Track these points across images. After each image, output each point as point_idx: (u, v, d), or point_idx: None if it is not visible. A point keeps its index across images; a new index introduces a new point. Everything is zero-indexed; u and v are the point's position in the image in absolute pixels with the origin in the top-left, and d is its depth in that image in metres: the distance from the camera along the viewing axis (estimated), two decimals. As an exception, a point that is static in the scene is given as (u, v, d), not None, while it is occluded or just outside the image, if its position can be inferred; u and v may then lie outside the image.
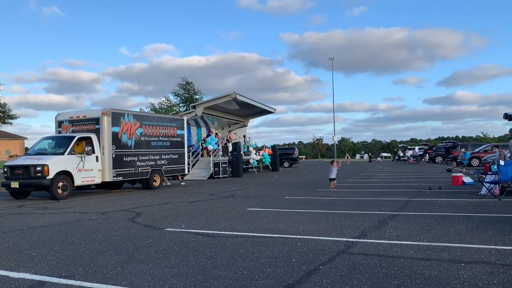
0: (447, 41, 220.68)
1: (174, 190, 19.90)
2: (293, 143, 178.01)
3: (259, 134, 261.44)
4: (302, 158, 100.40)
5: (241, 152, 31.40)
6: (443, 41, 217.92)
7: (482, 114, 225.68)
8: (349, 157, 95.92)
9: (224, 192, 17.86)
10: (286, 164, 47.04)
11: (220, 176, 28.70)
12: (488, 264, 5.67)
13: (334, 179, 17.98)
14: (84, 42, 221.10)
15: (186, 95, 65.07)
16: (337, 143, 77.27)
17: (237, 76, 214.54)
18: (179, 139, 22.76)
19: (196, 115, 30.53)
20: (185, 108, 61.47)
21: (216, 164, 28.92)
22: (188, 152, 27.31)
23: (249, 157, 35.12)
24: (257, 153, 37.16)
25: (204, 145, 31.68)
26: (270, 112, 40.63)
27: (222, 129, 38.26)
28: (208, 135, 33.70)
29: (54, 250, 7.11)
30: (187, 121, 26.59)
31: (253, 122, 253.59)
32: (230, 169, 30.57)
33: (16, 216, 11.83)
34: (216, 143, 30.88)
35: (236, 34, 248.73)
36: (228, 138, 34.11)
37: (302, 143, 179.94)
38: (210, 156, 30.00)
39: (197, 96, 64.70)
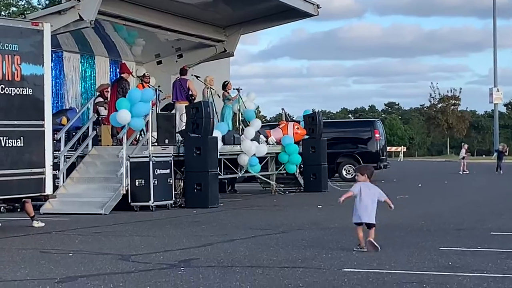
0: None
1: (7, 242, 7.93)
2: (367, 107, 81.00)
3: (270, 82, 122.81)
4: (397, 151, 47.63)
5: (215, 135, 12.95)
6: None
7: None
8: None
9: (158, 254, 6.68)
10: (348, 169, 20.68)
11: (150, 203, 11.48)
12: None
13: None
14: None
15: None
16: (506, 108, 34.18)
17: None
18: (26, 89, 8.41)
19: (83, 18, 11.97)
20: None
21: (137, 169, 11.60)
22: (56, 131, 11.98)
23: (238, 149, 14.35)
24: (266, 138, 15.67)
25: (102, 110, 13.67)
26: (301, 15, 17.00)
27: (159, 63, 16.87)
28: (118, 82, 13.53)
29: None
30: (57, 37, 12.20)
31: (255, 43, 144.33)
32: (181, 184, 13.02)
33: None
34: (144, 115, 12.06)
35: None
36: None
37: (397, 108, 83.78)
38: (122, 144, 11.93)
39: None
